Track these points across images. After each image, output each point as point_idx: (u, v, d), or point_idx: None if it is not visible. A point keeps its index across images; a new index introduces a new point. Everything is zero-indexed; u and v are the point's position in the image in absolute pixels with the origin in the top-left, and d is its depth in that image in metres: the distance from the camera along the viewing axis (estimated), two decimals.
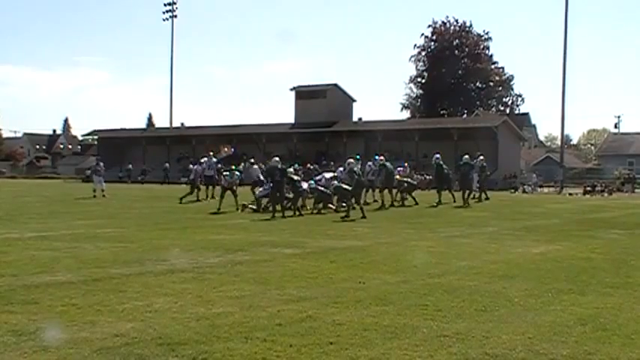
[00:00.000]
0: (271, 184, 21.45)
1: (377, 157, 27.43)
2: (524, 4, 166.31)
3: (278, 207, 20.56)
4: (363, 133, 59.36)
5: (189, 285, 8.44)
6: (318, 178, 25.15)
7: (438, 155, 28.59)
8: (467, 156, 29.35)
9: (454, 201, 27.42)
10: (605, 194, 40.28)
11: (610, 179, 51.03)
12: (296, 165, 44.38)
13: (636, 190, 46.13)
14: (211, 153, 32.24)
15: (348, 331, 6.16)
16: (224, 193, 23.36)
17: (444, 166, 28.67)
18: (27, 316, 6.62)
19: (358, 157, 31.78)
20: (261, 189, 23.22)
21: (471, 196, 28.48)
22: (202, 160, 30.99)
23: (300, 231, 16.00)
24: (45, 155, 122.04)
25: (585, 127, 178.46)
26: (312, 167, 50.35)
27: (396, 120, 70.13)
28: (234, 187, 23.72)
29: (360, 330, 6.21)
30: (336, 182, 22.59)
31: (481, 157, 31.63)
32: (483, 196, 30.20)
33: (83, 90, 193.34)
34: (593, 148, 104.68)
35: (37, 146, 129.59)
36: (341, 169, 25.67)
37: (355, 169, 21.82)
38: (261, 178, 26.02)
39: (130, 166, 64.14)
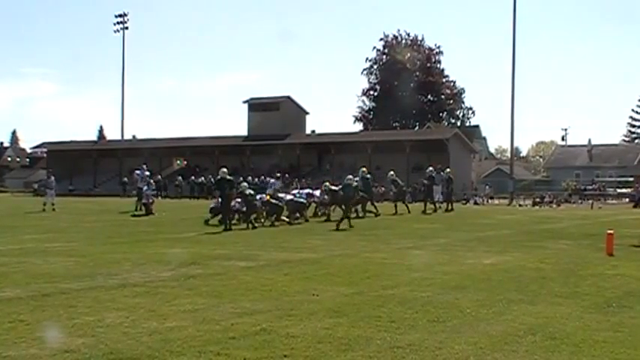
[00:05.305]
0: (220, 197, 21.40)
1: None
2: (473, 18, 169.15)
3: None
4: (317, 145, 59.50)
5: (141, 299, 8.34)
6: (296, 192, 26.77)
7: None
8: (449, 169, 34.12)
9: (409, 212, 28.54)
10: (554, 205, 41.12)
11: (558, 190, 52.01)
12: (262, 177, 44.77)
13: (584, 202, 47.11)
14: (144, 165, 32.28)
15: (302, 344, 6.16)
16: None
17: (399, 180, 31.10)
18: None
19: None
20: (213, 202, 22.96)
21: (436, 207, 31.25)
22: (137, 173, 30.97)
23: (254, 244, 15.95)
24: None
25: (534, 140, 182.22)
26: (265, 179, 50.17)
27: (349, 132, 70.29)
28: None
29: (314, 342, 6.22)
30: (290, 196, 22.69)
31: (448, 170, 34.14)
32: (449, 207, 31.54)
33: (31, 102, 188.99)
34: (541, 160, 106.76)
35: None
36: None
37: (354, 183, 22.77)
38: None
39: (126, 179, 54.54)
